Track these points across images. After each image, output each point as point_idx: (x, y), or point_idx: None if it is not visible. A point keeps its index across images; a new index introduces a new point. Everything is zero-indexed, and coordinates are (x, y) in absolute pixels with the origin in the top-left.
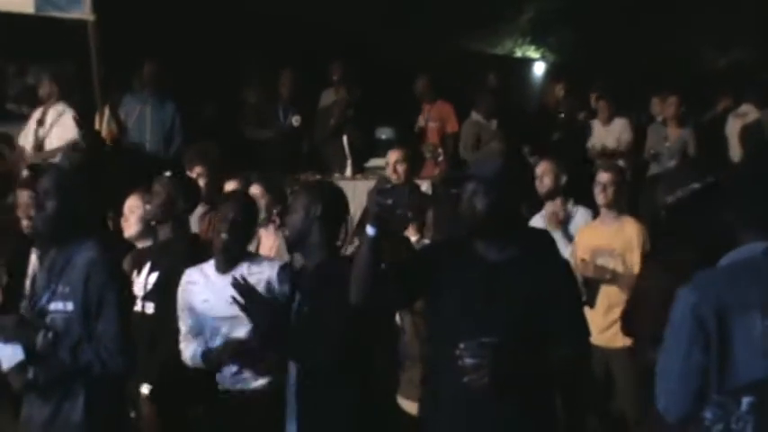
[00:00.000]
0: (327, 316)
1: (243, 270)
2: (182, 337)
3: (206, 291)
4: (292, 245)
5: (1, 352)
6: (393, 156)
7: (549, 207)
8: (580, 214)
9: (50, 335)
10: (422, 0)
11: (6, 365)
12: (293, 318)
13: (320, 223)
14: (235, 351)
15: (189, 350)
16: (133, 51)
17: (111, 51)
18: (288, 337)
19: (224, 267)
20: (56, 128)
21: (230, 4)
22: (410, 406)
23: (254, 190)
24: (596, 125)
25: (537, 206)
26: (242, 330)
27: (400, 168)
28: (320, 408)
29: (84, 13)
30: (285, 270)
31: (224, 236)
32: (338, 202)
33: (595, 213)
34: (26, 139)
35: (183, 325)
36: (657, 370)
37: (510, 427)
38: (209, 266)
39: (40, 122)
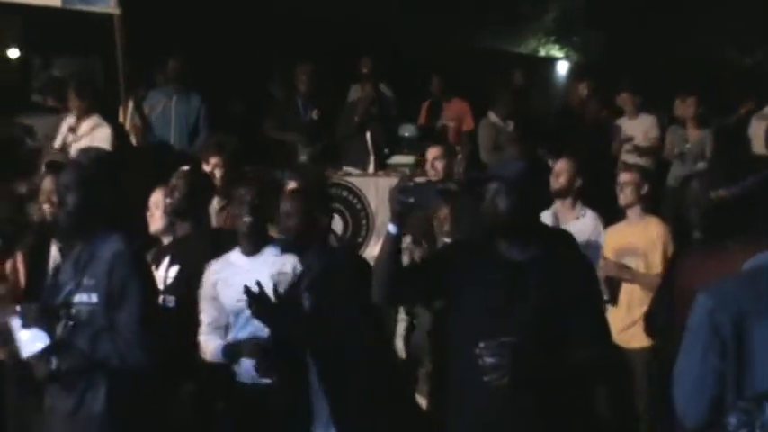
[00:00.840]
0: (337, 309)
1: (269, 255)
2: (203, 329)
3: (235, 277)
4: (287, 248)
5: (22, 338)
6: (432, 152)
7: (558, 205)
8: (588, 217)
9: (71, 324)
10: None
11: (27, 352)
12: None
13: (326, 227)
14: (254, 351)
15: (210, 345)
16: (159, 45)
17: (136, 45)
18: (301, 333)
19: (250, 250)
20: (86, 139)
21: None
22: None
23: (291, 184)
24: (624, 122)
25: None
26: None
27: (439, 165)
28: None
29: (110, 6)
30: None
31: (247, 219)
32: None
33: (612, 218)
34: (56, 141)
35: (207, 316)
36: (675, 374)
37: (530, 427)
38: (234, 254)
39: (72, 130)
